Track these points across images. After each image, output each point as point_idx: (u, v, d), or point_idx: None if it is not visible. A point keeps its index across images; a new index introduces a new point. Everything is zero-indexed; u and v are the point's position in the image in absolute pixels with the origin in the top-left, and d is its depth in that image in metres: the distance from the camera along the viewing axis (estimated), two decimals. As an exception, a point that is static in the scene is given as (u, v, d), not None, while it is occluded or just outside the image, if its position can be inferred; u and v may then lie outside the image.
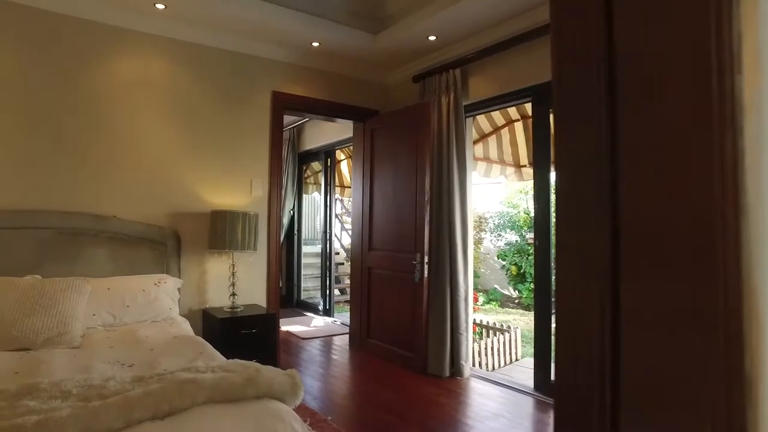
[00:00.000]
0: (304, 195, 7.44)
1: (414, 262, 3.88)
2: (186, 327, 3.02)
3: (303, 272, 7.21)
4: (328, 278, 6.43)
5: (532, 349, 5.51)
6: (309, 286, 7.49)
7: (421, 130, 3.96)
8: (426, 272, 3.84)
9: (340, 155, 7.97)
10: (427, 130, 3.91)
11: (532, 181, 3.56)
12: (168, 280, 3.30)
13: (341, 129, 5.84)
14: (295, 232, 7.06)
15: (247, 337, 3.45)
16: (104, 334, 2.71)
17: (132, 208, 3.50)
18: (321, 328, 5.54)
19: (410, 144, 4.06)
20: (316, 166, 7.60)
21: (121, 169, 3.48)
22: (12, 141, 3.14)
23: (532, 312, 8.41)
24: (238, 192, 3.96)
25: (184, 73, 3.73)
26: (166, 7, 3.35)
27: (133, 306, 3.01)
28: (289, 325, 5.60)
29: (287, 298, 7.02)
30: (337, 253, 8.92)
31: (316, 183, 7.83)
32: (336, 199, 9.08)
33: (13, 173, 3.14)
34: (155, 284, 3.19)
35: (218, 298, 3.81)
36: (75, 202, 3.31)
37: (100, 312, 2.90)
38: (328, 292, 6.43)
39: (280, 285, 6.89)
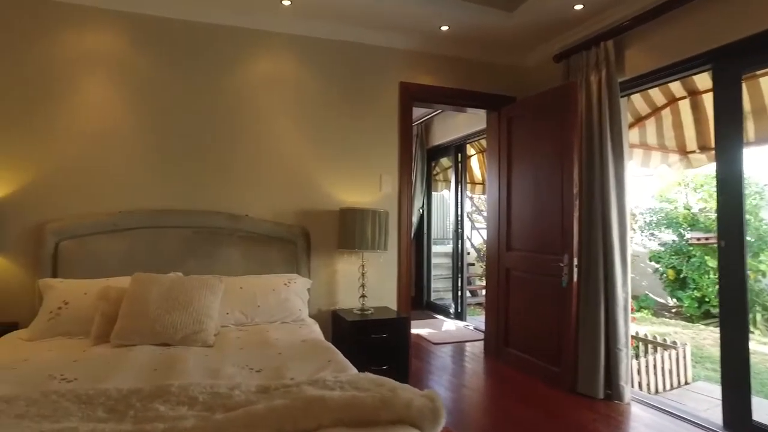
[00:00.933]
0: (432, 193, 7.20)
1: (561, 265, 3.40)
2: (315, 329, 2.90)
3: (432, 273, 6.96)
4: (460, 279, 6.10)
5: (707, 372, 4.66)
6: (438, 287, 7.23)
7: (566, 115, 3.46)
8: (575, 276, 3.34)
9: (469, 150, 7.60)
10: (573, 114, 3.41)
11: (702, 168, 2.89)
12: (298, 280, 3.24)
13: (472, 121, 5.49)
14: (425, 231, 6.84)
15: (377, 341, 3.27)
16: (236, 333, 2.69)
17: (263, 206, 3.52)
18: (453, 333, 5.23)
19: (554, 131, 3.58)
20: (445, 162, 7.32)
21: (253, 168, 3.52)
22: (157, 146, 3.32)
23: (698, 324, 7.30)
24: (367, 189, 3.81)
25: (310, 69, 3.68)
26: (291, 2, 3.29)
27: (264, 306, 2.98)
28: (418, 328, 5.38)
29: (416, 299, 6.82)
30: (468, 253, 8.55)
31: (445, 180, 7.55)
32: (468, 197, 8.72)
33: (159, 175, 3.32)
34: (285, 284, 3.14)
35: (348, 300, 3.69)
36: (212, 202, 3.41)
37: (233, 311, 2.91)
38: (460, 294, 6.09)
39: (410, 286, 6.73)
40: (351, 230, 3.38)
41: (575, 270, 3.34)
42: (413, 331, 5.18)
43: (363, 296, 3.52)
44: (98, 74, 3.21)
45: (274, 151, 3.57)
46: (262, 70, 3.56)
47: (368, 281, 3.58)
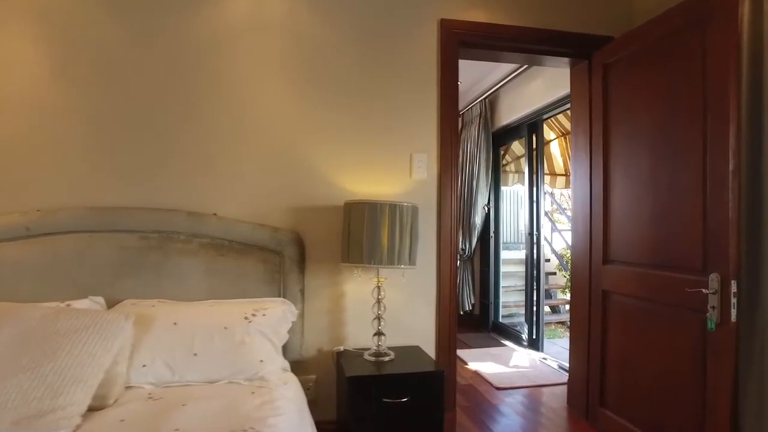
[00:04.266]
0: (502, 187, 5.84)
1: (705, 292, 2.02)
2: (280, 396, 1.75)
3: (502, 284, 5.60)
4: (535, 295, 4.70)
5: None
6: (509, 302, 5.86)
7: (714, 42, 2.07)
8: (734, 311, 1.95)
9: (548, 133, 6.17)
10: (728, 38, 2.00)
11: None
12: (269, 311, 2.11)
13: (551, 86, 4.13)
14: (491, 233, 5.51)
15: (395, 408, 2.08)
16: (132, 408, 1.58)
17: (238, 202, 2.46)
18: (525, 372, 3.90)
19: (688, 74, 2.20)
20: (518, 148, 5.94)
21: (226, 149, 2.46)
22: (91, 121, 2.35)
23: None
24: (392, 175, 2.64)
25: (308, 7, 2.56)
26: None
27: (203, 354, 1.89)
28: (479, 361, 4.10)
29: (481, 319, 5.52)
30: (548, 260, 7.09)
31: (518, 171, 6.17)
32: (546, 193, 7.26)
33: (93, 160, 2.36)
34: (246, 318, 2.03)
35: (363, 335, 2.54)
36: (166, 197, 2.40)
37: (155, 361, 1.84)
38: (535, 312, 4.67)
39: (468, 308, 5.42)
40: (357, 235, 2.22)
41: (733, 300, 1.95)
42: (471, 365, 3.94)
43: (379, 333, 2.34)
44: (10, 25, 2.30)
45: (257, 125, 2.50)
46: (241, 11, 2.49)
47: (388, 310, 2.41)
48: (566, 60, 3.04)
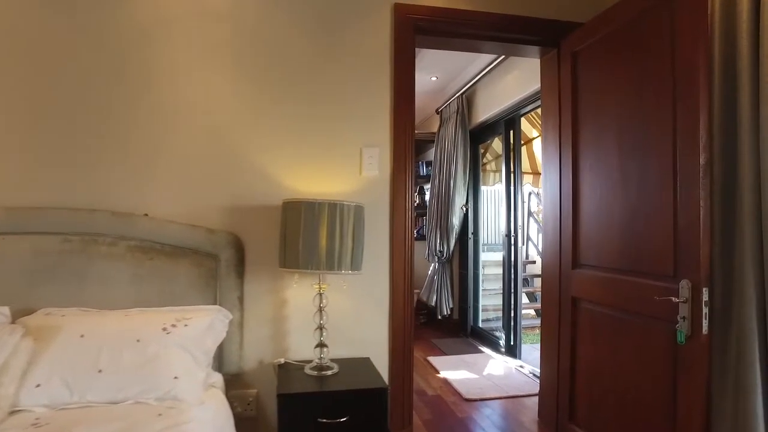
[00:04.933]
0: (482, 186, 5.64)
1: (675, 300, 1.82)
2: (192, 418, 1.51)
3: (482, 288, 5.39)
4: (513, 299, 4.50)
5: None
6: (488, 305, 5.64)
7: (682, 24, 1.88)
8: (706, 323, 1.75)
9: (531, 131, 5.99)
10: (697, 18, 1.81)
11: None
12: (193, 321, 1.89)
13: (524, 81, 3.93)
14: (470, 234, 5.31)
15: (333, 429, 1.87)
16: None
17: (171, 201, 2.24)
18: (498, 381, 3.69)
19: (655, 62, 2.00)
20: (498, 146, 5.74)
21: (154, 145, 2.25)
22: (4, 111, 2.13)
23: None
24: (341, 172, 2.43)
25: (253, -13, 2.36)
26: None
27: (109, 370, 1.66)
28: (452, 369, 3.89)
29: (460, 324, 5.31)
30: (533, 262, 6.91)
31: (499, 170, 5.96)
32: (530, 193, 7.06)
33: (2, 155, 2.13)
34: (164, 329, 1.81)
35: (305, 346, 2.32)
36: (90, 195, 2.19)
37: (52, 380, 1.62)
38: (513, 316, 4.46)
39: (446, 313, 5.20)
40: (293, 238, 2.01)
41: (705, 310, 1.75)
42: (442, 374, 3.74)
43: (321, 345, 2.13)
44: None
45: (192, 118, 2.28)
46: (174, -7, 2.29)
47: (337, 320, 2.20)
48: (536, 49, 2.84)
